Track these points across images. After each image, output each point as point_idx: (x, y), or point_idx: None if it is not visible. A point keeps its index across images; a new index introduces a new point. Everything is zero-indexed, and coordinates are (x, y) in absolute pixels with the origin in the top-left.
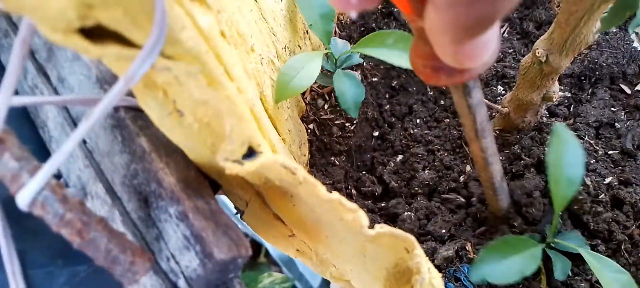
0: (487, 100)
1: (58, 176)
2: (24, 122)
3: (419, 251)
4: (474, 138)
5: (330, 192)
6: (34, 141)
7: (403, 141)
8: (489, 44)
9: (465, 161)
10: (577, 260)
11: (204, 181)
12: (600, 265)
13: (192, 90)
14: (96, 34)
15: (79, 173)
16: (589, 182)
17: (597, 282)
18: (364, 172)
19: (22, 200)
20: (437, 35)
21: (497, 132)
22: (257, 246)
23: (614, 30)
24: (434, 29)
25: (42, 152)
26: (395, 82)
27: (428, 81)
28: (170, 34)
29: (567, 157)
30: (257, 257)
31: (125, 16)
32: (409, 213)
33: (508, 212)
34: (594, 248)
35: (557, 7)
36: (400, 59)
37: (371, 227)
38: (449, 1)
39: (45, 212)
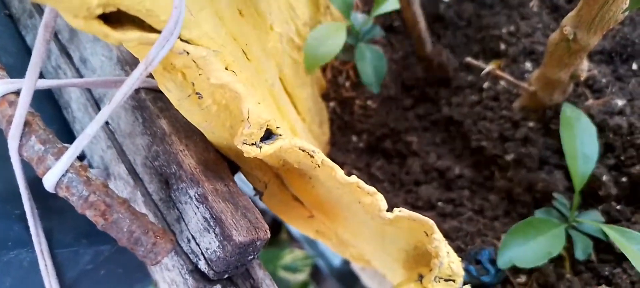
0: (512, 78)
1: (81, 157)
2: (48, 102)
3: (438, 235)
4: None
5: (350, 174)
6: (57, 121)
7: (426, 119)
8: None
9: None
10: (601, 244)
11: (223, 163)
12: (625, 239)
13: (210, 74)
14: (116, 19)
15: (102, 154)
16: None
17: (622, 263)
18: (385, 152)
19: (48, 182)
20: None
21: (524, 111)
22: (277, 224)
23: None
24: None
25: (66, 132)
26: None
27: None
28: (188, 17)
29: (580, 134)
30: (278, 234)
31: (144, 1)
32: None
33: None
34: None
35: None
36: None
37: (390, 210)
38: None
39: (70, 193)
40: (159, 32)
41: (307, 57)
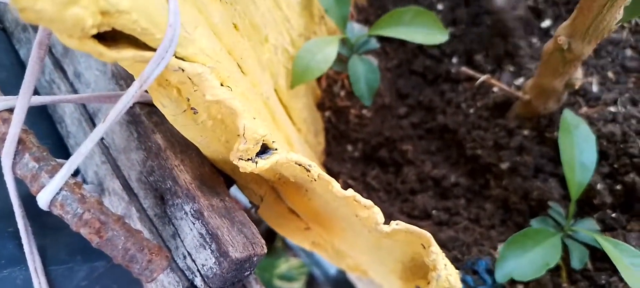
0: (506, 87)
1: (75, 172)
2: (42, 116)
3: (435, 248)
4: None
5: (345, 183)
6: (51, 136)
7: (421, 127)
8: None
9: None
10: (597, 252)
11: (219, 177)
12: (617, 251)
13: (206, 90)
14: (110, 37)
15: (96, 169)
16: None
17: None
18: (381, 161)
19: (42, 200)
20: None
21: (518, 119)
22: (272, 232)
23: None
24: None
25: (60, 146)
26: (415, 67)
27: None
28: (183, 35)
29: (579, 142)
30: (273, 242)
31: (139, 20)
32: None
33: None
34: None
35: None
36: (419, 35)
37: (386, 220)
38: None
39: (65, 211)
40: (154, 49)
41: (295, 71)
